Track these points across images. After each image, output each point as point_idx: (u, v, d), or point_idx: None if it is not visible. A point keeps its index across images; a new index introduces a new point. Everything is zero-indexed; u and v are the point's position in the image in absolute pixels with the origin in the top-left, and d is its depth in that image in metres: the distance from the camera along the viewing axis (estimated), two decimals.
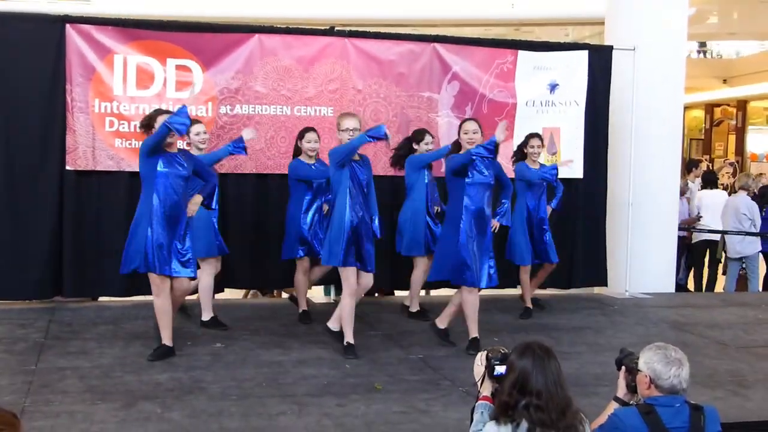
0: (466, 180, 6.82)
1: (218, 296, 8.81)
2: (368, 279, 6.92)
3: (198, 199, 6.63)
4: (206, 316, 7.51)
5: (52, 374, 6.01)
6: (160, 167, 6.31)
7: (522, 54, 9.22)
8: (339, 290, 9.00)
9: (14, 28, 8.02)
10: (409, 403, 5.63)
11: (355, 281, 6.75)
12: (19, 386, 5.72)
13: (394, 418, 5.37)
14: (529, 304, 8.50)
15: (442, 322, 7.25)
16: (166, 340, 6.53)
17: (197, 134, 7.35)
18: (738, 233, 11.18)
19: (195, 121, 7.54)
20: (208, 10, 16.78)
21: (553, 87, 9.28)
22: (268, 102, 8.49)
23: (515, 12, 19.22)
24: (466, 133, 6.99)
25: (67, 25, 8.01)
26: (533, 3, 19.05)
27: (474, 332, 7.01)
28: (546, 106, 9.27)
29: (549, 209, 8.42)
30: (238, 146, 7.57)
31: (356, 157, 6.78)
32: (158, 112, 6.57)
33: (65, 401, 5.45)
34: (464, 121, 7.28)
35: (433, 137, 8.24)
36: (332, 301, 9.03)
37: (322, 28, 9.00)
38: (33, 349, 6.65)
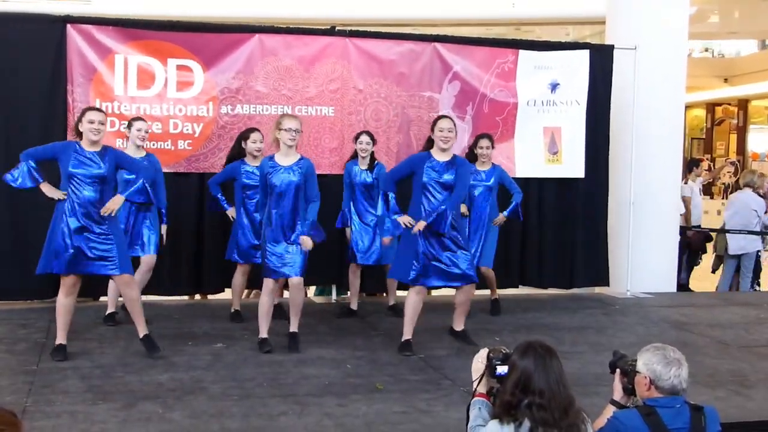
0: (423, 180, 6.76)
1: (219, 296, 8.84)
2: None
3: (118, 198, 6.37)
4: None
5: (53, 374, 6.01)
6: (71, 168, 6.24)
7: (523, 53, 9.21)
8: (339, 291, 9.05)
9: (14, 29, 8.02)
10: (410, 403, 5.63)
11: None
12: (20, 386, 5.72)
13: (394, 418, 5.37)
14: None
15: (457, 325, 7.24)
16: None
17: (138, 130, 7.37)
18: (739, 232, 11.18)
19: (138, 118, 7.59)
20: (209, 10, 16.80)
21: (554, 86, 9.27)
22: (269, 102, 8.49)
23: (516, 11, 19.24)
24: (441, 131, 6.78)
25: (68, 26, 8.02)
26: (534, 2, 19.08)
27: (407, 334, 6.93)
28: (547, 105, 9.26)
29: (502, 217, 8.24)
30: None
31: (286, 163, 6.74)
32: (84, 110, 6.49)
33: (66, 401, 5.44)
34: (439, 117, 7.10)
35: (373, 140, 8.07)
36: (333, 301, 9.03)
37: (323, 27, 9.00)
38: (34, 349, 6.65)
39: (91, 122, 6.25)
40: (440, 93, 8.99)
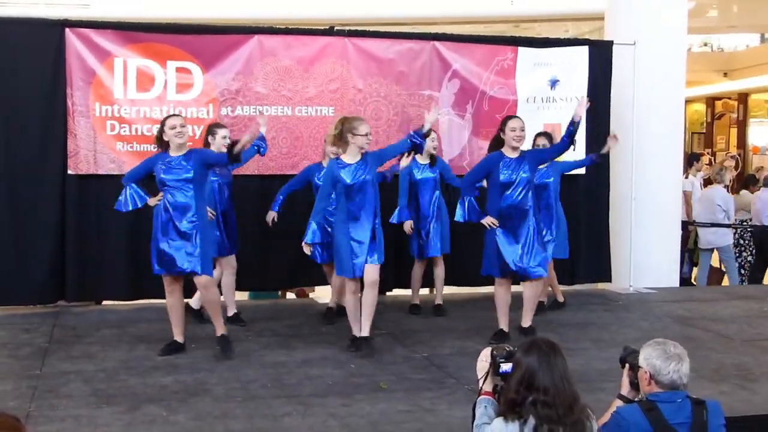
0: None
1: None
2: None
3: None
4: (230, 312, 7.72)
5: (56, 378, 6.01)
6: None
7: (522, 50, 9.21)
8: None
9: (14, 33, 8.03)
10: (414, 402, 5.63)
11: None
12: (23, 391, 5.72)
13: (399, 417, 5.37)
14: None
15: (524, 322, 7.33)
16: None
17: (223, 138, 7.33)
18: (711, 225, 11.26)
19: (219, 125, 7.61)
20: (208, 12, 16.77)
21: (553, 83, 9.27)
22: (269, 103, 8.49)
23: (514, 9, 19.21)
24: (513, 130, 7.01)
25: (67, 29, 8.02)
26: None
27: (502, 325, 7.19)
28: (547, 102, 9.26)
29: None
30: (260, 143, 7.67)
31: None
32: (164, 118, 6.70)
33: (70, 405, 5.44)
34: (509, 117, 7.29)
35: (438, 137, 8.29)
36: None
37: (322, 28, 9.00)
38: (37, 354, 6.65)
39: (173, 127, 6.47)
40: (440, 91, 8.98)
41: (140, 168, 6.76)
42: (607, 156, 9.38)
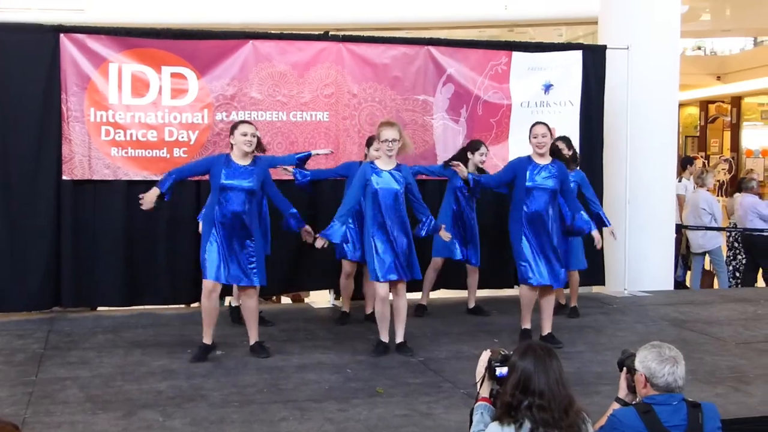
0: None
1: None
2: None
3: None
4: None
5: (52, 385, 6.00)
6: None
7: (516, 55, 9.22)
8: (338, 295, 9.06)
9: (8, 39, 8.01)
10: (411, 407, 5.63)
11: None
12: (19, 397, 5.71)
13: (396, 421, 5.37)
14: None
15: (544, 329, 7.38)
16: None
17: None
18: (699, 228, 11.32)
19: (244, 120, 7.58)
20: (202, 17, 16.78)
21: (547, 87, 9.28)
22: (263, 108, 8.49)
23: (508, 13, 19.23)
24: (535, 137, 7.12)
25: (61, 35, 8.01)
26: (526, 4, 19.06)
27: (525, 324, 7.34)
28: (541, 106, 9.27)
29: None
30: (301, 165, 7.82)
31: None
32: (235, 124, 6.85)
33: (66, 411, 5.44)
34: (535, 124, 7.37)
35: (488, 149, 8.34)
36: (332, 305, 9.02)
37: (316, 33, 9.01)
38: (33, 360, 6.64)
39: (244, 134, 6.58)
40: (434, 96, 8.99)
41: (199, 165, 6.95)
42: (600, 163, 9.44)
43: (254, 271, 6.64)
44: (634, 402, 3.80)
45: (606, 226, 8.28)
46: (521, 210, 7.10)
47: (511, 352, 3.53)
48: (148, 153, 8.15)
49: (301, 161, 7.90)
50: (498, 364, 3.57)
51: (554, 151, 7.33)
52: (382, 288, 6.80)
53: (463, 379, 6.15)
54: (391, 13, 18.55)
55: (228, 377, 6.22)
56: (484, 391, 3.59)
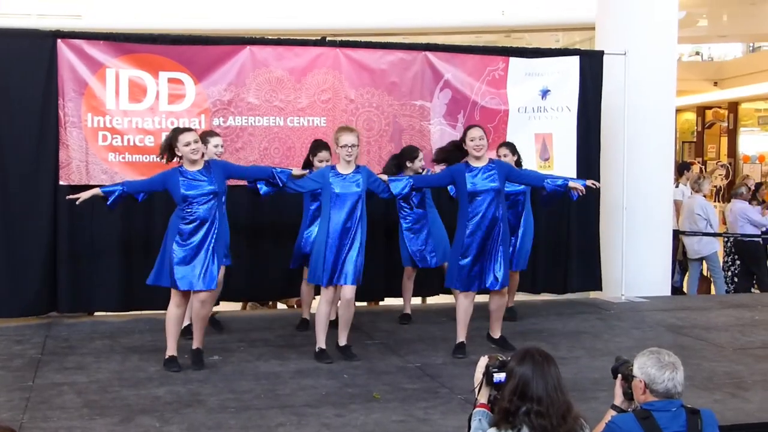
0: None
1: (214, 308, 8.81)
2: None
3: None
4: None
5: (49, 390, 5.99)
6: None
7: (513, 61, 9.23)
8: None
9: (6, 44, 8.02)
10: (408, 412, 5.63)
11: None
12: (16, 402, 5.70)
13: (393, 427, 5.37)
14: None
15: (494, 332, 7.33)
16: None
17: (215, 146, 7.33)
18: (695, 234, 11.37)
19: (213, 133, 7.57)
20: (199, 23, 16.78)
21: (544, 93, 9.29)
22: (260, 113, 8.49)
23: (506, 19, 19.26)
24: (472, 140, 6.96)
25: (59, 40, 8.02)
26: (523, 9, 19.10)
27: (461, 337, 7.13)
28: (538, 112, 9.27)
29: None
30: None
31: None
32: (176, 131, 6.67)
33: (63, 417, 5.43)
34: (470, 127, 7.23)
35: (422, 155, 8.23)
36: None
37: (314, 38, 9.01)
38: (30, 365, 6.63)
39: (187, 144, 6.47)
40: (431, 101, 9.00)
41: (153, 182, 6.77)
42: (597, 169, 9.45)
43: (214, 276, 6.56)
44: (631, 408, 3.79)
45: (583, 185, 8.13)
46: (466, 215, 6.93)
47: (509, 358, 3.53)
48: (146, 158, 8.14)
49: (275, 178, 7.20)
50: (496, 369, 3.57)
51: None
52: (324, 292, 6.82)
53: (460, 384, 6.15)
54: (388, 18, 18.57)
55: (225, 383, 6.22)
56: (482, 398, 3.59)
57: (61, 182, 8.02)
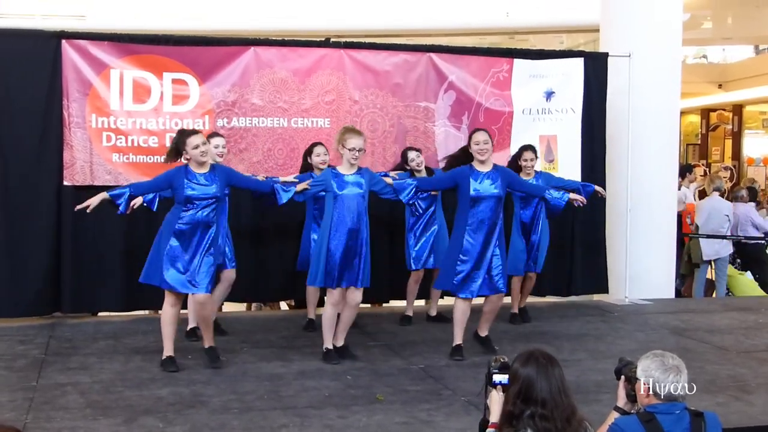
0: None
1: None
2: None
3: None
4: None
5: (53, 390, 6.00)
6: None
7: (517, 62, 9.23)
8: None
9: (10, 45, 8.03)
10: (411, 414, 5.62)
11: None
12: (20, 403, 5.71)
13: (395, 429, 5.36)
14: (516, 311, 8.63)
15: (482, 331, 7.33)
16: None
17: (216, 146, 7.33)
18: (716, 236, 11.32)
19: (216, 133, 7.56)
20: (204, 24, 16.82)
21: (549, 95, 9.29)
22: (264, 114, 8.50)
23: (510, 20, 19.26)
24: (476, 144, 6.96)
25: (63, 41, 8.03)
26: (528, 11, 19.10)
27: (458, 339, 7.12)
28: (542, 113, 9.27)
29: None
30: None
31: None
32: (184, 134, 6.65)
33: (66, 417, 5.43)
34: (475, 131, 7.21)
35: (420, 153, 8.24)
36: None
37: (318, 39, 9.02)
38: (33, 366, 6.63)
39: (196, 147, 6.46)
40: (436, 103, 9.00)
41: (159, 182, 6.68)
42: (602, 170, 9.45)
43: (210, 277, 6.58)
44: (634, 410, 3.79)
45: (590, 190, 8.26)
46: (465, 219, 6.90)
47: (511, 360, 3.52)
48: (150, 159, 8.15)
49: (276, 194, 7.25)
50: (496, 371, 3.57)
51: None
52: (330, 294, 6.81)
53: (464, 386, 6.15)
54: (392, 20, 18.58)
55: (228, 384, 6.22)
56: (494, 416, 3.55)
57: (65, 183, 8.03)
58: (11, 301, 7.96)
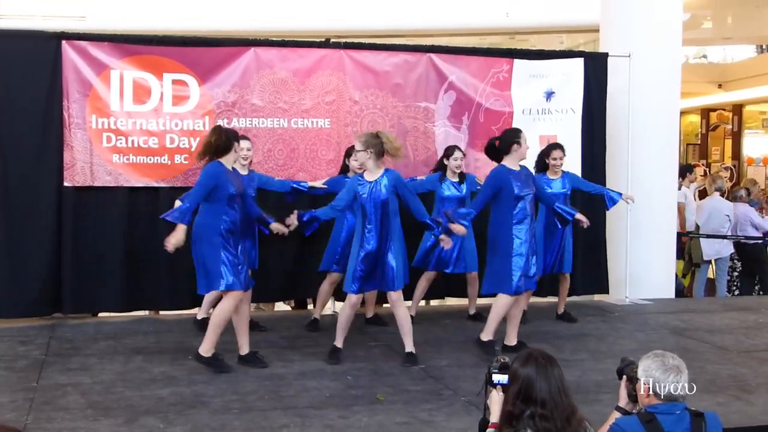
0: None
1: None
2: None
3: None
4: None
5: (53, 391, 6.00)
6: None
7: (518, 62, 9.23)
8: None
9: (10, 45, 8.03)
10: (412, 414, 5.63)
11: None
12: (20, 403, 5.71)
13: (396, 429, 5.36)
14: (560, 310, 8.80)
15: (510, 340, 7.31)
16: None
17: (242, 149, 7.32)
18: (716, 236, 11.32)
19: (244, 136, 7.57)
20: (204, 24, 16.81)
21: (549, 95, 9.29)
22: (265, 115, 8.50)
23: (510, 21, 19.26)
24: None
25: (63, 42, 8.03)
26: (528, 11, 19.09)
27: (492, 335, 7.19)
28: (542, 114, 9.28)
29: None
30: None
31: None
32: (234, 134, 6.73)
33: (67, 418, 5.44)
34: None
35: (463, 153, 8.34)
36: (332, 312, 9.01)
37: (318, 40, 9.02)
38: (34, 366, 6.63)
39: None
40: (436, 103, 9.01)
41: (207, 186, 6.46)
42: (602, 170, 9.45)
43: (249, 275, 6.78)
44: (635, 410, 3.79)
45: (615, 202, 8.53)
46: (510, 218, 6.96)
47: (511, 360, 3.52)
48: (150, 160, 8.16)
49: (295, 190, 7.99)
50: (496, 371, 3.57)
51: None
52: (350, 296, 6.82)
53: (464, 386, 6.16)
54: (392, 20, 18.58)
55: (229, 384, 6.22)
56: (494, 417, 3.56)
57: (65, 183, 8.03)
58: (11, 302, 7.96)
